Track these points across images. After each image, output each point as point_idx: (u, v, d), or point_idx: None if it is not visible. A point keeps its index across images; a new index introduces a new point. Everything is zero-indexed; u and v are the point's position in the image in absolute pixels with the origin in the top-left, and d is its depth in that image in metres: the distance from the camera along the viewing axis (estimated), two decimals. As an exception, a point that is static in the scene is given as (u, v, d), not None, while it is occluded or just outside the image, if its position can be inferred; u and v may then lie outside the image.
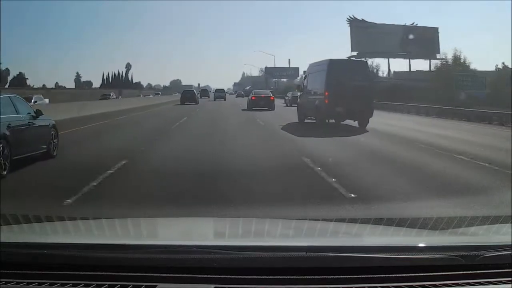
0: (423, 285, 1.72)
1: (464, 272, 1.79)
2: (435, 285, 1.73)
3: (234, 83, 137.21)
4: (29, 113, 9.14)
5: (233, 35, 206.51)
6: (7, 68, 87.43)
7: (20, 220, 3.23)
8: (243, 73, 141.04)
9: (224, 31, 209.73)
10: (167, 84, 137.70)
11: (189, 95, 41.56)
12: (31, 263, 1.81)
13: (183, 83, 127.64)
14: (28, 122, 8.94)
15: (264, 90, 38.64)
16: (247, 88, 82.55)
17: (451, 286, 1.73)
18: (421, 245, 2.04)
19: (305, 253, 1.82)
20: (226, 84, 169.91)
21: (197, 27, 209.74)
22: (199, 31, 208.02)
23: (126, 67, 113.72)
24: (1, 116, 7.85)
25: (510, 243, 1.93)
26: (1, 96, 8.62)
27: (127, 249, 1.90)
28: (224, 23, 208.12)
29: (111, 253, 1.87)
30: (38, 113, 9.33)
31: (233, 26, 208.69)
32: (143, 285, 1.70)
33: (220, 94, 53.04)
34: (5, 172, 7.49)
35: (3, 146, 7.66)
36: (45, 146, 9.42)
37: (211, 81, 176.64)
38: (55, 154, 9.74)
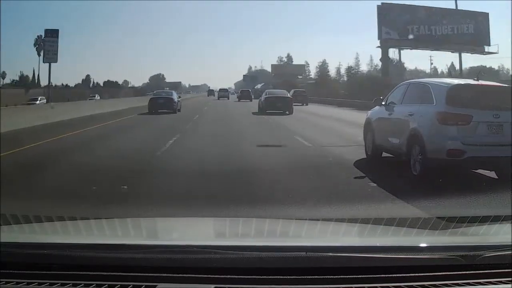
0: (423, 285, 1.72)
1: (464, 272, 1.79)
2: (435, 285, 1.72)
3: (244, 75, 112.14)
4: (177, 96, 28.85)
5: (230, 29, 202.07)
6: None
7: (20, 220, 3.22)
8: (249, 67, 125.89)
9: (219, 25, 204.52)
10: (146, 80, 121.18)
11: (246, 94, 54.33)
12: (31, 263, 1.81)
13: (168, 80, 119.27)
14: (177, 100, 28.14)
15: (282, 90, 30.38)
16: (259, 86, 69.58)
17: (451, 286, 1.73)
18: (421, 245, 2.04)
19: (305, 253, 1.83)
20: (226, 83, 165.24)
21: (187, 20, 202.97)
22: (190, 26, 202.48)
23: (37, 43, 65.49)
24: (174, 97, 28.04)
25: (510, 243, 1.93)
26: (173, 91, 32.20)
27: (127, 249, 1.90)
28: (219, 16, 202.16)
29: (111, 253, 1.87)
30: (180, 96, 31.71)
31: (228, 19, 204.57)
32: (143, 285, 1.70)
33: (222, 93, 62.94)
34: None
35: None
36: (179, 108, 27.92)
37: (208, 80, 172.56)
38: (179, 111, 27.34)
